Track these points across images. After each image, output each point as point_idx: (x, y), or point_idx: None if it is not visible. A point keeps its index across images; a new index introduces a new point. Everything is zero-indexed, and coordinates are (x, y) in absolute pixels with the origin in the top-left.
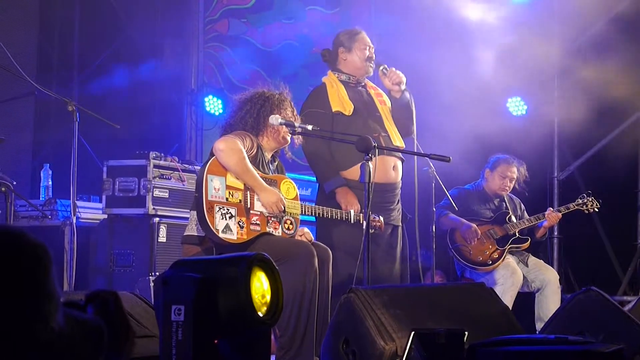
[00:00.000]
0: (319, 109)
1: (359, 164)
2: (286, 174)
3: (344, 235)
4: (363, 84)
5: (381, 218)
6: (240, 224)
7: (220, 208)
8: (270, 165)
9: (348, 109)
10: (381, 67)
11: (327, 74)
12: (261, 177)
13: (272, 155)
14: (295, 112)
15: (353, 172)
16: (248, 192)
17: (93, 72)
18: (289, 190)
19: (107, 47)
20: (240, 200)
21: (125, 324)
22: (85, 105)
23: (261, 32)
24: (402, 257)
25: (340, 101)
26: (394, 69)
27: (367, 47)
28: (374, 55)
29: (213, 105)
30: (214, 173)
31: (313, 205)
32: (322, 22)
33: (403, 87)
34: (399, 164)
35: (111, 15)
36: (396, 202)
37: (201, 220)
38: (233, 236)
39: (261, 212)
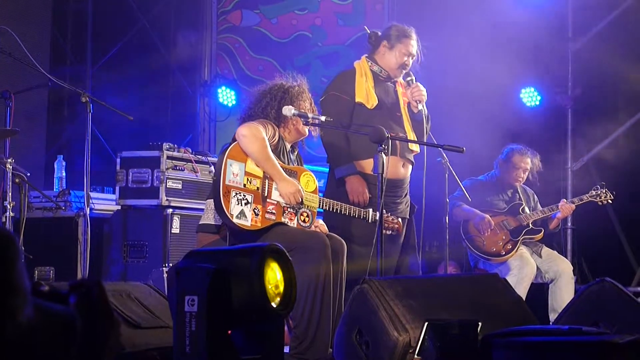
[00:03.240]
0: (344, 94)
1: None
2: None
3: (354, 227)
4: (394, 80)
5: (400, 220)
6: (256, 211)
7: (236, 193)
8: (291, 155)
9: (371, 102)
10: (408, 78)
11: (361, 59)
12: (282, 167)
13: (292, 146)
14: (312, 104)
15: (366, 165)
16: (267, 180)
17: (106, 63)
18: (308, 183)
19: (120, 38)
20: (258, 187)
21: (109, 314)
22: (98, 96)
23: (274, 23)
24: (412, 247)
25: (365, 93)
26: (419, 84)
27: (408, 55)
28: (410, 64)
29: (226, 96)
30: (234, 158)
31: (331, 200)
32: (335, 13)
33: (421, 106)
34: (410, 166)
35: (124, 7)
36: (404, 196)
37: (217, 204)
38: (247, 222)
39: (278, 201)
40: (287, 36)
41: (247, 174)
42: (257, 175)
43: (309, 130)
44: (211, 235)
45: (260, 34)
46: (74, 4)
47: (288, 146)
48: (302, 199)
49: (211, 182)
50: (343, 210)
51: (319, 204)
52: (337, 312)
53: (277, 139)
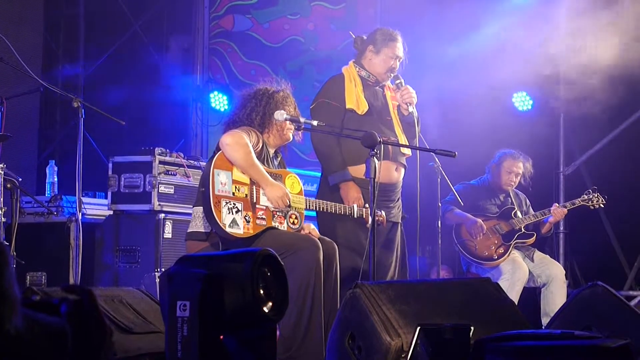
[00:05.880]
0: (333, 101)
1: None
2: (289, 169)
3: (347, 231)
4: (382, 84)
5: (383, 213)
6: (247, 218)
7: (227, 202)
8: (274, 161)
9: (362, 108)
10: (397, 81)
11: (349, 64)
12: (267, 171)
13: (275, 151)
14: (297, 109)
15: (359, 170)
16: (254, 186)
17: (98, 68)
18: (293, 185)
19: (113, 43)
20: (246, 194)
21: (100, 323)
22: (90, 101)
23: (266, 27)
24: (402, 253)
25: (355, 99)
26: (409, 87)
27: (395, 58)
28: (397, 66)
29: (218, 101)
30: (221, 167)
31: (316, 200)
32: (327, 18)
33: (411, 108)
34: (402, 170)
35: (116, 12)
36: (396, 200)
37: (208, 214)
38: (240, 230)
39: (267, 206)
40: (280, 41)
41: (234, 182)
42: (244, 183)
43: (292, 135)
44: (201, 242)
45: (253, 39)
46: (66, 9)
47: (271, 152)
48: (289, 202)
49: None
50: (329, 208)
51: (306, 205)
52: (331, 316)
53: (260, 146)
